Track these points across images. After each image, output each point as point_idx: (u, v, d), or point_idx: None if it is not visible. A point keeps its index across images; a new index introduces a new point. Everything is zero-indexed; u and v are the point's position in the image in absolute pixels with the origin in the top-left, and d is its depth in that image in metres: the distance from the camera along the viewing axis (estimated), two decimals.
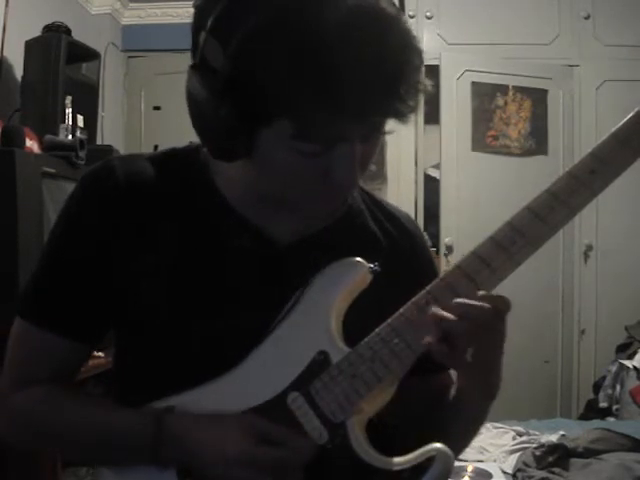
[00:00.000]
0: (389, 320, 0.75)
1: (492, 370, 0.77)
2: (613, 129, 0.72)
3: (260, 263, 0.83)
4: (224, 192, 0.85)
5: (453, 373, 0.89)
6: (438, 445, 0.74)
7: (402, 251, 0.91)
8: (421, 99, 0.72)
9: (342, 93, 0.66)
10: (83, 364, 0.90)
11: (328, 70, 0.65)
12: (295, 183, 0.75)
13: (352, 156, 0.72)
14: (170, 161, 0.87)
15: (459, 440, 0.88)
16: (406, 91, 0.69)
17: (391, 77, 0.68)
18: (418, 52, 0.71)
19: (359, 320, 0.78)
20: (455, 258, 0.78)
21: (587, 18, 3.71)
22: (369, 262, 0.80)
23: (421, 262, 0.94)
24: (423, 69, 0.72)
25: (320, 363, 0.77)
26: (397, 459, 0.74)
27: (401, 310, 0.75)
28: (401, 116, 0.71)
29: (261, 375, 0.79)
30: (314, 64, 0.65)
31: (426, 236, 1.01)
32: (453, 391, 0.83)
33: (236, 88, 0.69)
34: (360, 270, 0.79)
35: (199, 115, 0.74)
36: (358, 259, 0.79)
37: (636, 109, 0.71)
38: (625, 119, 0.72)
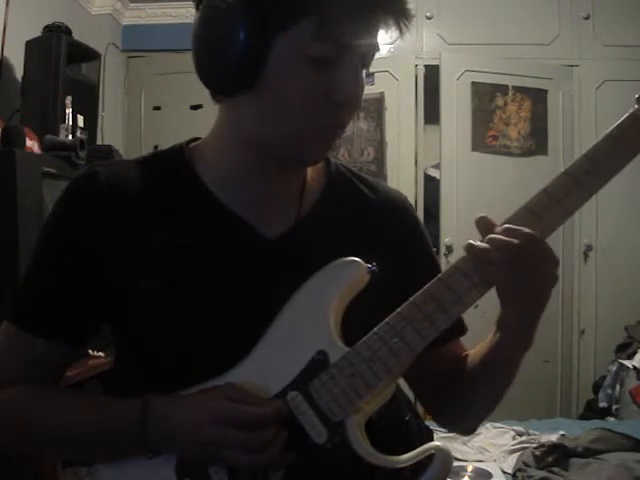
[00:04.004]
0: (387, 319, 0.75)
1: (531, 306, 0.77)
2: (608, 130, 0.73)
3: (251, 257, 0.84)
4: (211, 187, 0.85)
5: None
6: (437, 443, 0.74)
7: (391, 224, 0.93)
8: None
9: None
10: (67, 366, 0.91)
11: None
12: (302, 100, 0.77)
13: (356, 68, 0.77)
14: (154, 163, 0.88)
15: (488, 399, 0.88)
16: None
17: None
18: None
19: (358, 318, 0.77)
20: (455, 258, 0.79)
21: (587, 18, 3.71)
22: (357, 247, 0.81)
23: (412, 230, 0.96)
24: None
25: (319, 362, 0.77)
26: (396, 457, 0.74)
27: (399, 309, 0.75)
28: (406, 15, 0.77)
29: (260, 374, 0.79)
30: None
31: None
32: (489, 347, 0.83)
33: None
34: (358, 270, 0.79)
35: (213, 32, 0.76)
36: (356, 259, 0.79)
37: (631, 110, 0.72)
38: (620, 120, 0.72)
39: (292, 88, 0.76)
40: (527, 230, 0.72)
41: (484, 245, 0.73)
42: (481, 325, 0.92)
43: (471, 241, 0.74)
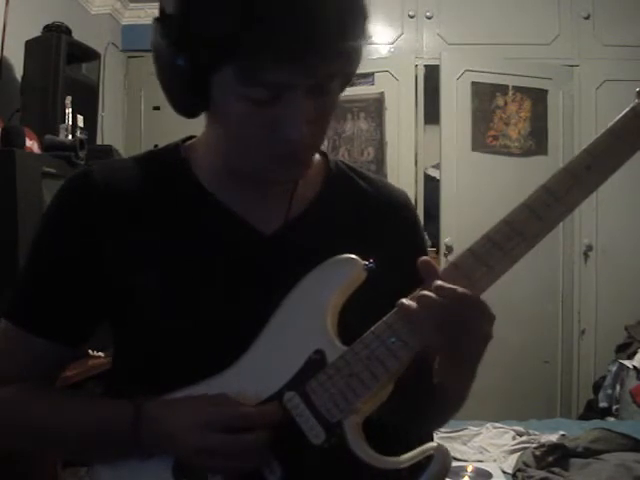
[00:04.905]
0: (385, 318, 0.75)
1: (464, 362, 0.76)
2: (609, 125, 0.72)
3: (249, 254, 0.84)
4: (206, 185, 0.85)
5: None
6: (436, 444, 0.74)
7: (390, 221, 0.92)
8: (362, 52, 0.74)
9: (281, 36, 0.67)
10: (66, 365, 0.91)
11: (265, 12, 0.67)
12: (247, 135, 0.76)
13: (298, 106, 0.73)
14: (150, 161, 0.89)
15: (435, 419, 0.91)
16: (343, 37, 0.70)
17: (329, 22, 0.69)
18: (361, 4, 0.73)
19: (356, 317, 0.77)
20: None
21: (587, 18, 3.71)
22: (355, 243, 0.80)
23: (412, 228, 0.95)
24: (367, 20, 0.74)
25: (316, 362, 0.77)
26: (395, 458, 0.74)
27: (397, 308, 0.74)
28: (339, 62, 0.72)
29: (256, 374, 0.78)
30: (251, 8, 0.67)
31: (426, 236, 1.02)
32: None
33: (187, 35, 0.71)
34: (354, 267, 0.79)
35: (161, 67, 0.76)
36: (352, 256, 0.79)
37: (631, 104, 0.71)
38: (620, 115, 0.72)
39: (236, 125, 0.75)
40: (460, 290, 0.70)
41: (412, 305, 0.71)
42: None
43: (403, 300, 0.72)
